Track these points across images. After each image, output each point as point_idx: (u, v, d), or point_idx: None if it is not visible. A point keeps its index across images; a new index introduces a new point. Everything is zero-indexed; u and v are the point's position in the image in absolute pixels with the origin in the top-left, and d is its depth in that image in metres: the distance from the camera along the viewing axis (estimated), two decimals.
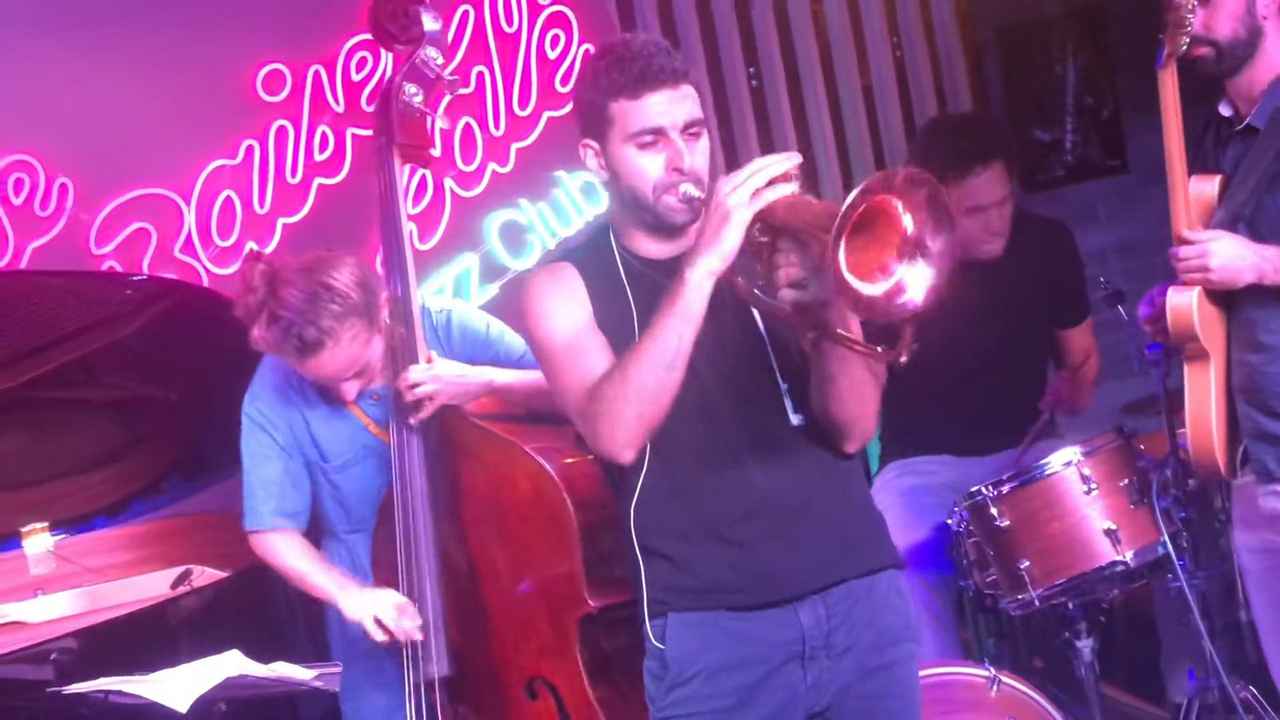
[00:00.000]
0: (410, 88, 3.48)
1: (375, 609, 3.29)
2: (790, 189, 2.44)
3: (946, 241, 2.34)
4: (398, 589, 3.32)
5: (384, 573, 3.39)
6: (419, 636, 3.29)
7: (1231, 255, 3.14)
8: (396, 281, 3.43)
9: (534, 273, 2.84)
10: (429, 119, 3.52)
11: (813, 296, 2.47)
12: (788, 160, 2.47)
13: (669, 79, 2.62)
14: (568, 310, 2.70)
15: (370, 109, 4.79)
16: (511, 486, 3.20)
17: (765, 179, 2.45)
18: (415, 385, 3.31)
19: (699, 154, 2.65)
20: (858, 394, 2.64)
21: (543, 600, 3.15)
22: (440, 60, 3.52)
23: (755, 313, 2.70)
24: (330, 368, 3.32)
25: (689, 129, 2.64)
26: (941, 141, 4.27)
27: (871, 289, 2.34)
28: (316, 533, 3.59)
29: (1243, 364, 3.24)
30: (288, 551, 3.50)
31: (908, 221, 2.34)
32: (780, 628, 2.69)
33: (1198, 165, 3.27)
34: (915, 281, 2.35)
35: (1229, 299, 3.23)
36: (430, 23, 3.54)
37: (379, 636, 3.29)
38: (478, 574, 3.29)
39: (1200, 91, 3.29)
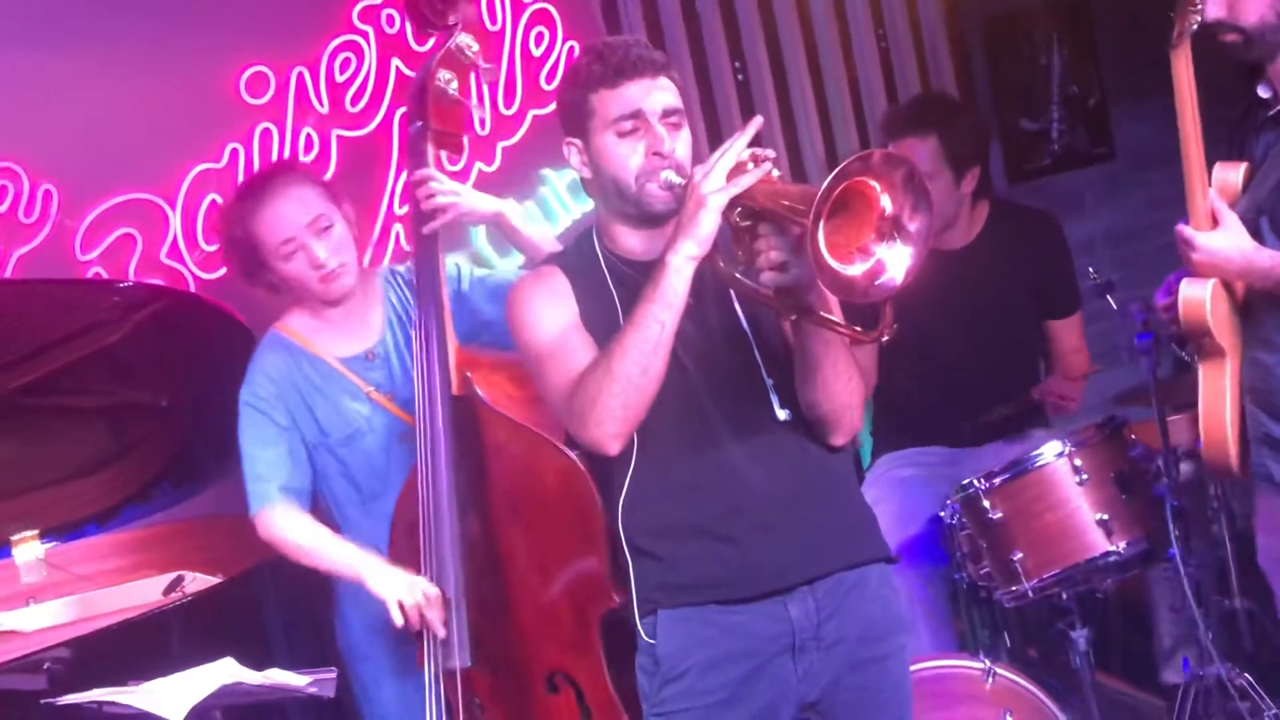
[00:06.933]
0: (445, 74, 3.45)
1: (403, 593, 3.21)
2: (766, 170, 2.48)
3: (924, 221, 2.37)
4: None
5: (404, 556, 3.32)
6: (441, 632, 3.22)
7: (1219, 250, 2.96)
8: (425, 265, 3.41)
9: (521, 279, 2.86)
10: (463, 106, 3.49)
11: (793, 279, 2.49)
12: (746, 136, 2.51)
13: (647, 69, 2.67)
14: (554, 312, 2.73)
15: (356, 109, 4.82)
16: (540, 479, 3.16)
17: (734, 160, 2.49)
18: (433, 193, 3.37)
19: (680, 143, 2.68)
20: (843, 382, 2.65)
21: (567, 594, 3.13)
22: (475, 47, 3.49)
23: (739, 309, 2.72)
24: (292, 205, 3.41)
25: (668, 117, 2.68)
26: (895, 108, 4.25)
27: (851, 270, 2.38)
28: (329, 525, 3.51)
29: (1255, 362, 3.06)
30: (298, 527, 3.41)
31: (885, 202, 2.37)
32: (769, 621, 2.70)
33: (1230, 151, 3.06)
34: (894, 261, 2.38)
35: (1247, 293, 3.04)
36: (466, 8, 3.52)
37: (398, 621, 3.21)
38: (502, 565, 3.26)
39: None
